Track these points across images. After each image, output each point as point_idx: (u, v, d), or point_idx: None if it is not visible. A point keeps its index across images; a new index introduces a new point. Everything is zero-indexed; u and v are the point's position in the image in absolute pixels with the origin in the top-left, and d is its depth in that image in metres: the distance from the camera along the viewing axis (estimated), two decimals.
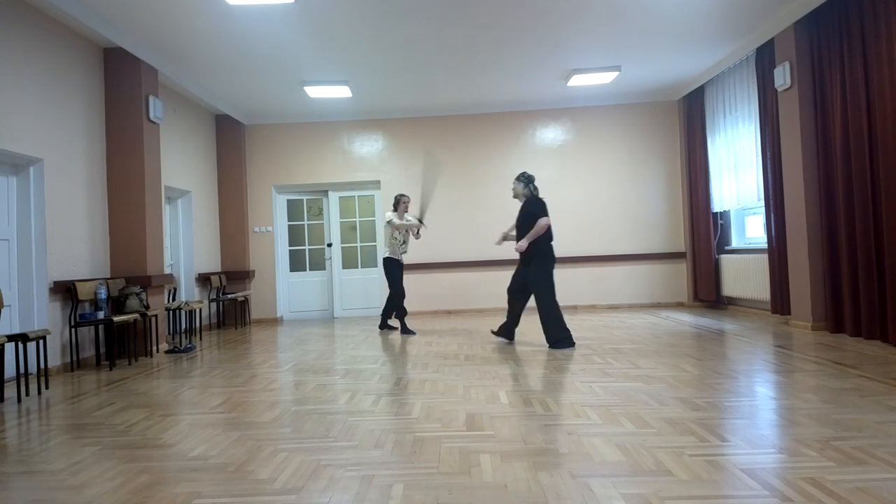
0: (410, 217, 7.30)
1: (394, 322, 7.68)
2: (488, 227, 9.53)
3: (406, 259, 9.55)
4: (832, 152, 5.87)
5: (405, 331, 7.19)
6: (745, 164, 7.65)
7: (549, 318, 5.71)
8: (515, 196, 6.02)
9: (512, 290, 6.05)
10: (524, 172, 6.02)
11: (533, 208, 5.80)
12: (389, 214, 7.21)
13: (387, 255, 7.22)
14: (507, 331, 6.22)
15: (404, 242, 7.30)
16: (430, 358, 5.47)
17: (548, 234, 5.78)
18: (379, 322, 7.78)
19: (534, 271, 5.77)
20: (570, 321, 7.50)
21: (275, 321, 9.53)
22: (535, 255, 5.76)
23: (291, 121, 9.65)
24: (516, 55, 7.24)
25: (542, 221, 5.67)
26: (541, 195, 6.05)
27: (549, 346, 5.68)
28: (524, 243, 5.74)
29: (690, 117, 9.07)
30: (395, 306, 7.26)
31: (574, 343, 5.73)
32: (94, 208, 6.04)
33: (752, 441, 2.81)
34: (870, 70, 5.30)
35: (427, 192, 7.26)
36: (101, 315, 5.61)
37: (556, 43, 6.89)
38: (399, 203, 7.32)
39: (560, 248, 6.56)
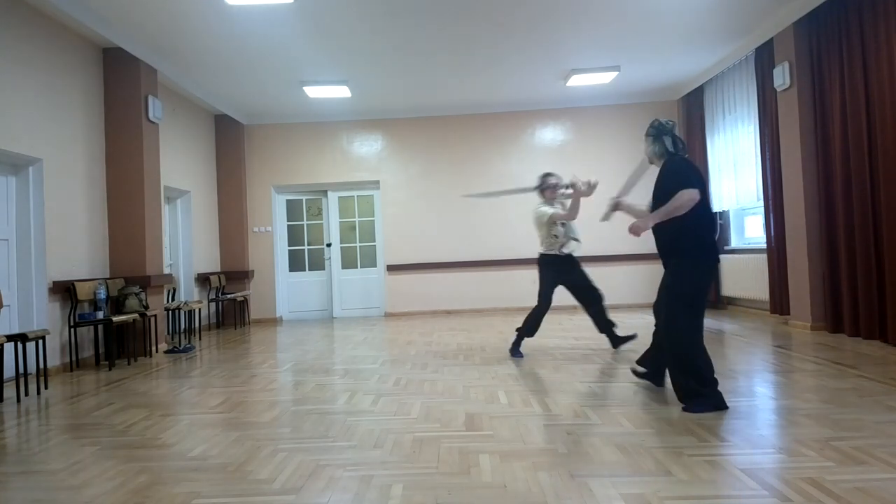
0: (566, 193, 5.47)
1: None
2: (487, 227, 9.55)
3: (412, 259, 9.60)
4: (831, 152, 5.87)
5: (515, 350, 5.43)
6: (745, 164, 7.64)
7: (678, 358, 3.52)
8: (650, 161, 3.90)
9: (656, 308, 3.90)
10: (654, 121, 3.82)
11: (673, 168, 3.63)
12: (544, 209, 5.41)
13: (540, 251, 5.54)
14: (649, 368, 4.07)
15: (565, 233, 5.46)
16: (430, 358, 5.47)
17: (702, 222, 3.57)
18: (604, 336, 5.71)
19: (672, 276, 3.64)
20: (570, 321, 7.49)
21: (274, 321, 9.52)
22: (677, 251, 3.62)
23: (291, 121, 9.65)
24: (516, 55, 7.23)
25: (684, 194, 3.45)
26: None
27: (683, 409, 3.38)
28: (645, 222, 3.63)
29: (690, 117, 9.07)
30: (529, 319, 5.46)
31: (724, 406, 3.37)
32: (94, 208, 6.04)
33: (751, 441, 2.81)
34: (869, 70, 5.30)
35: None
36: (100, 315, 5.61)
37: (556, 43, 6.89)
38: (545, 187, 5.49)
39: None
